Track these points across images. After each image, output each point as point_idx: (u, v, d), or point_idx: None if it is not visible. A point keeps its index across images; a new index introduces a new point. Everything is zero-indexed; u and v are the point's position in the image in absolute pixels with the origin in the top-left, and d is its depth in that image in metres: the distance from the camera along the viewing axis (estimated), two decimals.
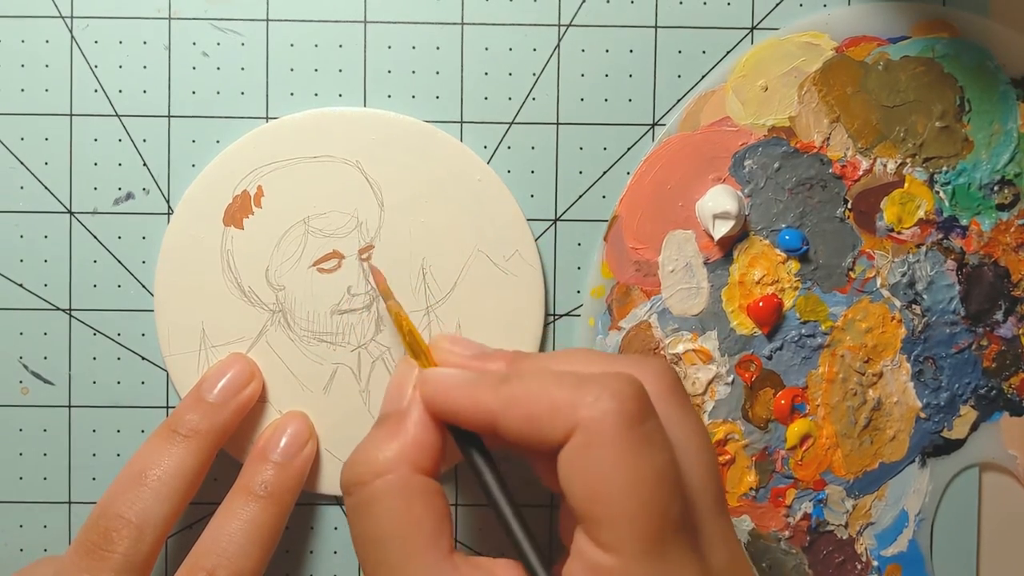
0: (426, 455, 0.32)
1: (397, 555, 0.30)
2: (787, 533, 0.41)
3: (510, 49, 0.40)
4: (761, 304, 0.40)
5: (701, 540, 0.30)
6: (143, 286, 0.40)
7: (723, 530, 0.31)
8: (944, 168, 0.41)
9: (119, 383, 0.40)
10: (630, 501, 0.28)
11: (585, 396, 0.29)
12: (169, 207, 0.40)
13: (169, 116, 0.40)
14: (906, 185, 0.41)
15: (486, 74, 0.40)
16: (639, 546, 0.28)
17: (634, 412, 0.28)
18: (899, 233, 0.41)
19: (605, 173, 0.41)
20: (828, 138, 0.40)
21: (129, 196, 0.40)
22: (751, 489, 0.41)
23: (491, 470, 0.32)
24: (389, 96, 0.40)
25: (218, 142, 0.40)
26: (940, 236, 0.41)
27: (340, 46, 0.40)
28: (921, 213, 0.41)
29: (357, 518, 0.31)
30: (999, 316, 0.41)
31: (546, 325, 0.40)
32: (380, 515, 0.30)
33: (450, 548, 0.30)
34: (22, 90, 0.40)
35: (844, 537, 0.41)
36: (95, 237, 0.40)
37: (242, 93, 0.40)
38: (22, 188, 0.40)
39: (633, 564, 0.28)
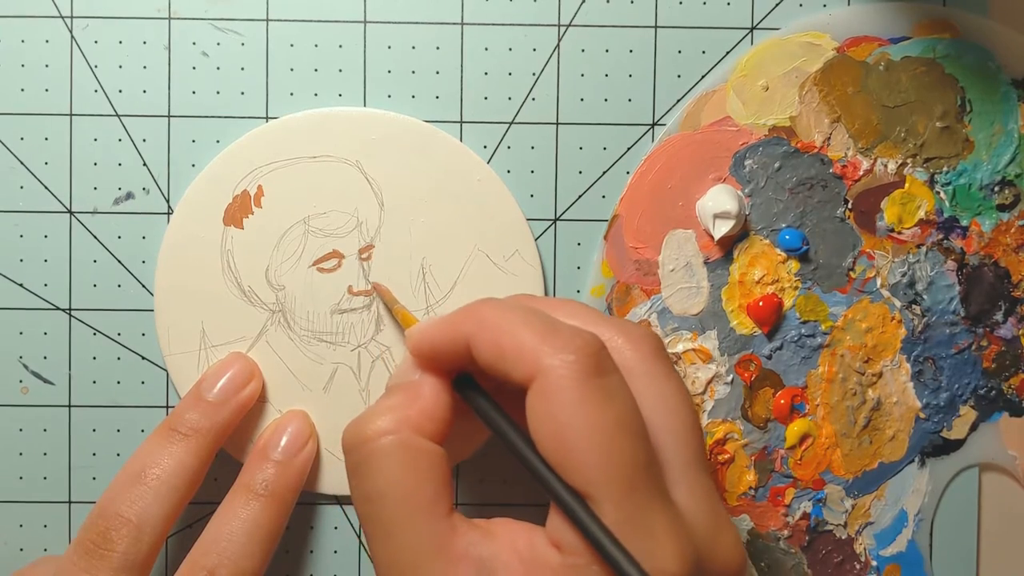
0: (431, 423, 0.32)
1: (396, 513, 0.30)
2: (786, 533, 0.41)
3: (510, 49, 0.40)
4: (761, 304, 0.40)
5: (678, 492, 0.31)
6: (143, 286, 0.40)
7: (703, 486, 0.31)
8: (945, 168, 0.41)
9: (119, 383, 0.40)
10: (593, 448, 0.29)
11: (547, 346, 0.30)
12: (169, 207, 0.40)
13: (169, 116, 0.40)
14: (907, 185, 0.41)
15: (486, 74, 0.40)
16: (609, 490, 0.28)
17: (590, 366, 0.29)
18: (899, 233, 0.41)
19: (605, 173, 0.41)
20: (829, 138, 0.40)
21: (129, 196, 0.40)
22: (750, 488, 0.41)
23: (502, 415, 0.32)
24: (389, 96, 0.40)
25: (218, 142, 0.40)
26: (940, 236, 0.41)
27: (340, 46, 0.40)
28: (921, 213, 0.41)
29: (358, 477, 0.31)
30: (999, 317, 0.41)
31: None
32: (381, 472, 0.31)
33: (449, 509, 0.31)
34: (22, 90, 0.40)
35: (843, 537, 0.41)
36: (95, 237, 0.40)
37: (242, 93, 0.40)
38: (22, 188, 0.40)
39: (606, 508, 0.28)
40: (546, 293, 0.40)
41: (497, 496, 0.41)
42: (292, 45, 0.40)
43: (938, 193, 0.41)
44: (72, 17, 0.40)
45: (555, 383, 0.29)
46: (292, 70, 0.40)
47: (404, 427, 0.31)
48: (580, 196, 0.41)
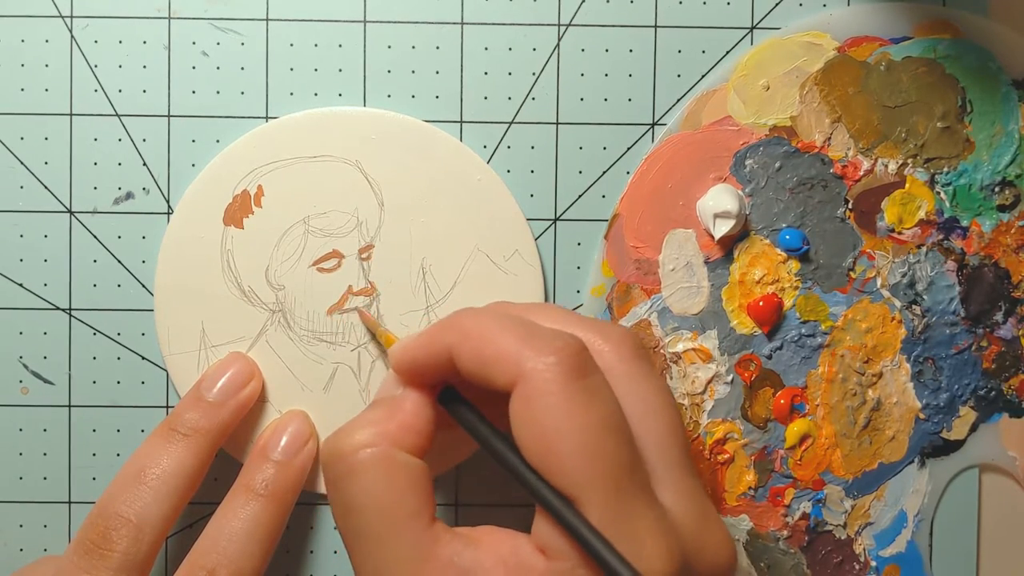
0: (411, 436, 0.32)
1: (377, 525, 0.30)
2: (785, 533, 0.41)
3: (510, 49, 0.40)
4: (761, 304, 0.40)
5: (664, 492, 0.31)
6: (143, 286, 0.40)
7: (689, 486, 0.31)
8: (945, 169, 0.41)
9: (119, 383, 0.40)
10: (578, 450, 0.28)
11: (528, 350, 0.29)
12: (169, 207, 0.40)
13: (169, 116, 0.40)
14: (907, 185, 0.41)
15: (486, 74, 0.40)
16: (594, 492, 0.28)
17: (572, 368, 0.29)
18: (900, 233, 0.41)
19: (605, 173, 0.41)
20: (829, 138, 0.40)
21: (129, 196, 0.40)
22: (750, 489, 0.41)
23: (488, 426, 0.32)
24: (389, 96, 0.40)
25: (218, 142, 0.40)
26: (941, 237, 0.41)
27: (340, 46, 0.40)
28: (922, 214, 0.41)
29: (338, 490, 0.31)
30: (999, 317, 0.41)
31: None
32: (360, 485, 0.31)
33: (431, 519, 0.30)
34: (22, 90, 0.40)
35: (843, 537, 0.41)
36: (95, 237, 0.40)
37: (242, 93, 0.40)
38: (22, 188, 0.40)
39: (592, 510, 0.28)
40: (546, 293, 0.40)
41: (497, 496, 0.41)
42: (292, 45, 0.40)
43: (938, 193, 0.41)
44: (72, 17, 0.40)
45: (537, 386, 0.29)
46: (292, 70, 0.40)
47: (383, 440, 0.31)
48: (580, 196, 0.41)
